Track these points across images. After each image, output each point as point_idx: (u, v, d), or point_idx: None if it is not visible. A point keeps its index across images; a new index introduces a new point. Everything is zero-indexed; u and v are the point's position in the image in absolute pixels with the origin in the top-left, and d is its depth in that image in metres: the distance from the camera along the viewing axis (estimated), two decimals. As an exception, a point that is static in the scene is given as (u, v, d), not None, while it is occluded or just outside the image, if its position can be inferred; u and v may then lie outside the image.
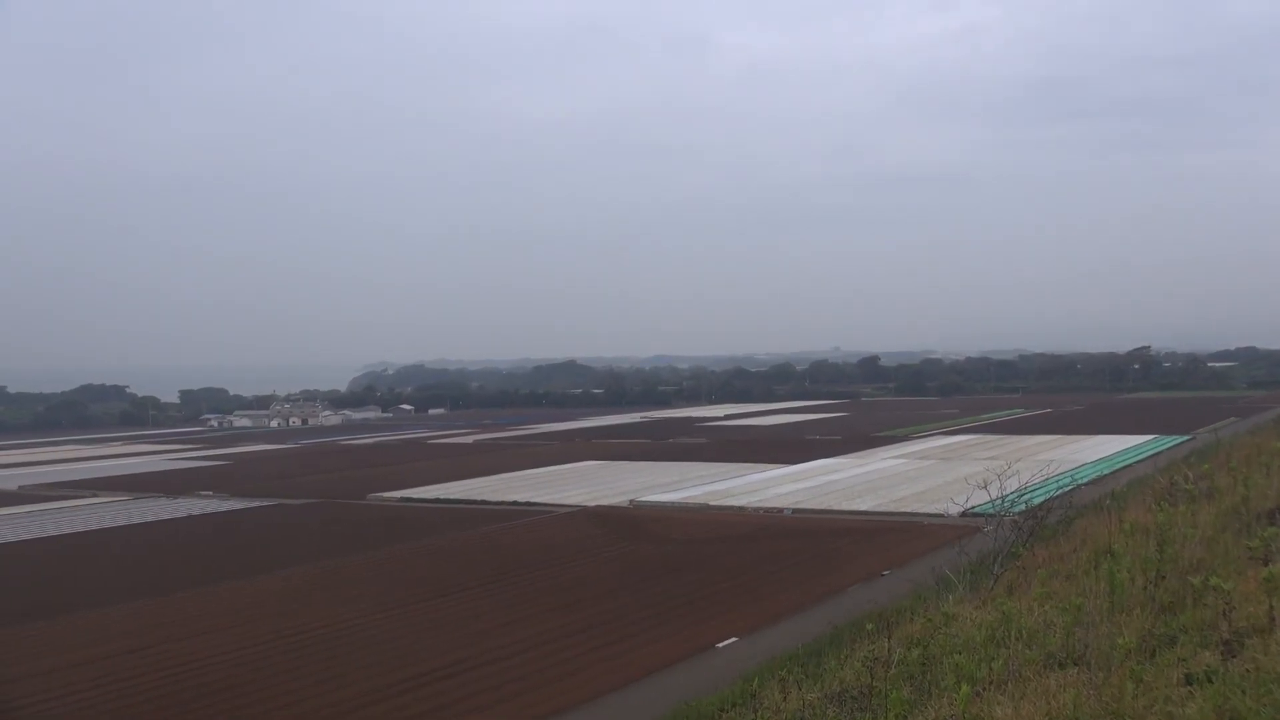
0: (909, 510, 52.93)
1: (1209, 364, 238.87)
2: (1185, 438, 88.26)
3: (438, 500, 66.66)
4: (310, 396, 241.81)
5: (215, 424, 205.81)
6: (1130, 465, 68.67)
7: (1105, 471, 64.49)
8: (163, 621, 34.22)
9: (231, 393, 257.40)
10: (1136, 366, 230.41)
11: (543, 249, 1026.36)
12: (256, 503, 69.35)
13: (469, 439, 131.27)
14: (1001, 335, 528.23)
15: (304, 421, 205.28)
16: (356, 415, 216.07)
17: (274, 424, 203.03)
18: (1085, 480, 55.97)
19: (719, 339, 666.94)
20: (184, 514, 64.35)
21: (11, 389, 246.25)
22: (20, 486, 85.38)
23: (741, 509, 56.53)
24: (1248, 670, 12.81)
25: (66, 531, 58.19)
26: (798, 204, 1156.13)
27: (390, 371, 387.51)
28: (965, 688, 13.20)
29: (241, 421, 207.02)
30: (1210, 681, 12.67)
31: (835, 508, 55.26)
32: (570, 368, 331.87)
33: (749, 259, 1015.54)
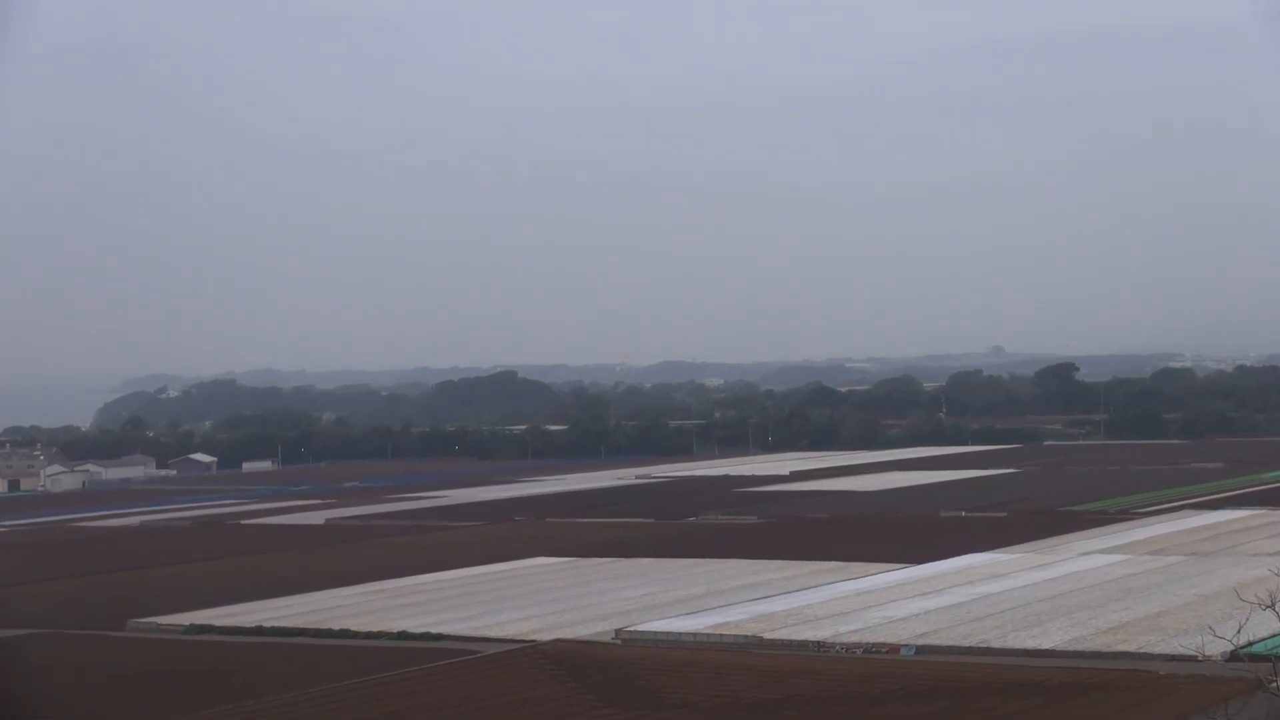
0: (1131, 650, 53.31)
1: None
2: None
3: (257, 630, 67.01)
4: (24, 439, 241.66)
5: None
6: None
7: None
8: None
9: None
10: None
11: (452, 183, 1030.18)
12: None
13: (318, 516, 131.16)
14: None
15: (13, 484, 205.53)
16: (110, 473, 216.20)
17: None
18: None
19: (777, 336, 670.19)
20: None
21: None
22: None
23: (823, 646, 56.74)
24: None
25: None
26: (910, 91, 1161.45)
27: (173, 393, 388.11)
28: None
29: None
30: None
31: (996, 644, 55.60)
32: (505, 384, 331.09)
33: (825, 193, 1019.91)
